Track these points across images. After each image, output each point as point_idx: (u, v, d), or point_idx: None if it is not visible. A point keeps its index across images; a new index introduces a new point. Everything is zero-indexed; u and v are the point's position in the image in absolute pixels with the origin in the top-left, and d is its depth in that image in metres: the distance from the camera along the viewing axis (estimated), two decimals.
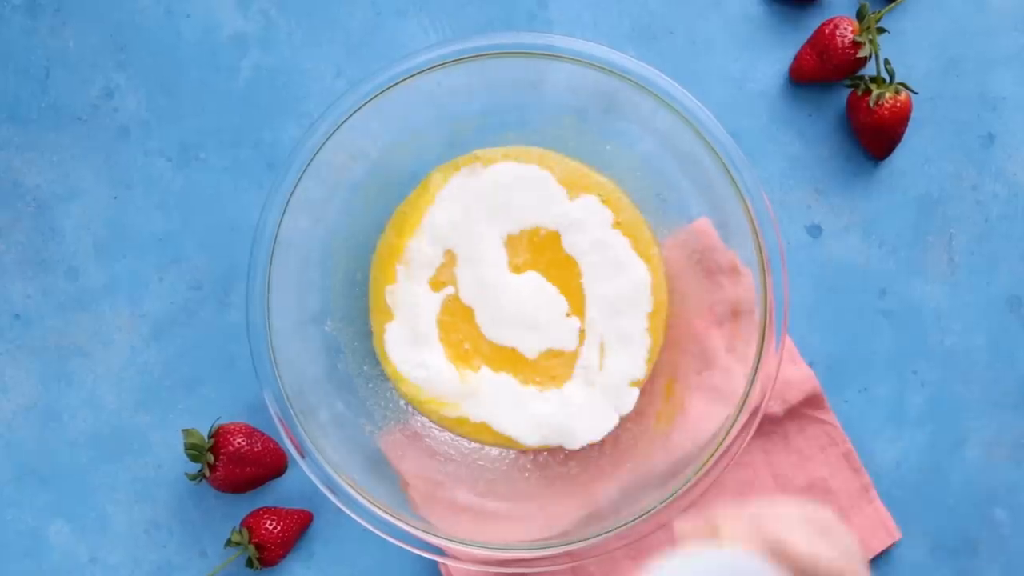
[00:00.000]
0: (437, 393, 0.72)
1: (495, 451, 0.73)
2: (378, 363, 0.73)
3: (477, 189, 0.72)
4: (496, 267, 0.72)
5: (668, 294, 0.73)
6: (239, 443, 0.71)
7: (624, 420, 0.72)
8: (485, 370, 0.72)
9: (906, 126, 0.75)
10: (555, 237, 0.72)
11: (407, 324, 0.72)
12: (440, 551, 0.66)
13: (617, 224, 0.72)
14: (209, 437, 0.71)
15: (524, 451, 0.73)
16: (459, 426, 0.72)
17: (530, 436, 0.72)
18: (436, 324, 0.72)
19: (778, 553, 0.49)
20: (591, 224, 0.72)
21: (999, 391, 0.76)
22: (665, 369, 0.73)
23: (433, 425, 0.73)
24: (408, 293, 0.72)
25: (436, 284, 0.72)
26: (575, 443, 0.71)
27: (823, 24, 0.74)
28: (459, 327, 0.72)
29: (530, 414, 0.71)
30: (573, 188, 0.72)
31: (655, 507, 0.66)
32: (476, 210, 0.72)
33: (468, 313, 0.72)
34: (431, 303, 0.72)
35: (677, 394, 0.72)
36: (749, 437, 0.66)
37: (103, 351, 0.75)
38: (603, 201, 0.72)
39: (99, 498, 0.75)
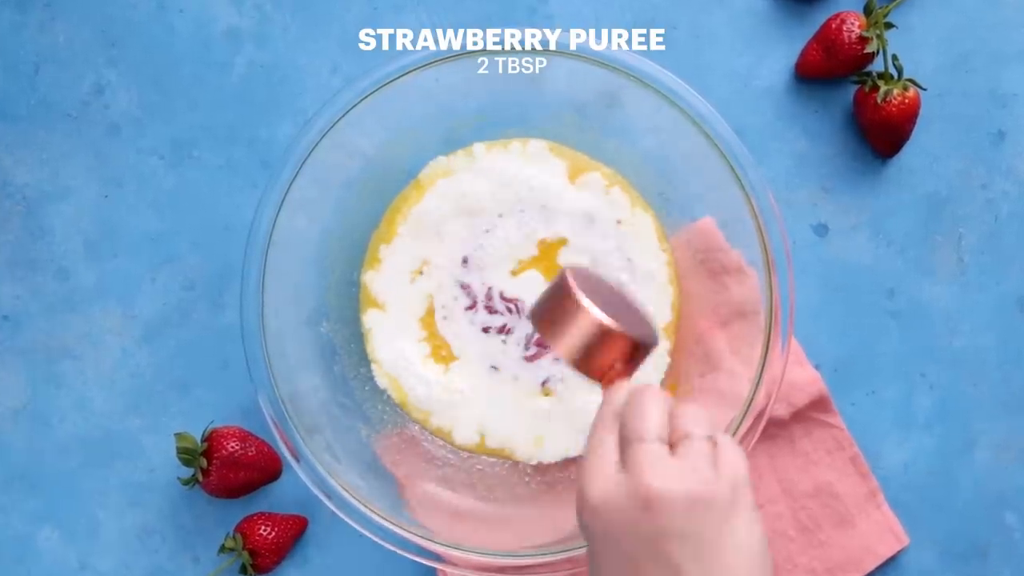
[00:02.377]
0: (419, 397, 0.71)
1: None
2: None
3: (477, 176, 0.71)
4: (491, 267, 0.71)
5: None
6: (233, 447, 0.70)
7: None
8: (471, 377, 0.71)
9: (914, 123, 0.74)
10: (560, 238, 0.71)
11: (391, 317, 0.71)
12: (438, 557, 0.66)
13: (620, 222, 0.71)
14: (202, 441, 0.71)
15: None
16: (448, 437, 0.71)
17: (525, 448, 0.71)
18: (419, 323, 0.71)
19: None
20: (599, 214, 0.71)
21: (1009, 393, 0.76)
22: (668, 371, 0.72)
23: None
24: (392, 283, 0.71)
25: (417, 275, 0.71)
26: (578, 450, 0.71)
27: (830, 19, 0.73)
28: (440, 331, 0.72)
29: (526, 425, 0.70)
30: (577, 174, 0.72)
31: None
32: (473, 198, 0.70)
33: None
34: (414, 296, 0.71)
35: (680, 397, 0.71)
36: (754, 441, 0.65)
37: (94, 353, 0.75)
38: (608, 186, 0.71)
39: (89, 503, 0.74)
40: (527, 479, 0.72)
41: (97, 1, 0.75)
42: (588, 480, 0.49)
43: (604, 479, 0.49)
